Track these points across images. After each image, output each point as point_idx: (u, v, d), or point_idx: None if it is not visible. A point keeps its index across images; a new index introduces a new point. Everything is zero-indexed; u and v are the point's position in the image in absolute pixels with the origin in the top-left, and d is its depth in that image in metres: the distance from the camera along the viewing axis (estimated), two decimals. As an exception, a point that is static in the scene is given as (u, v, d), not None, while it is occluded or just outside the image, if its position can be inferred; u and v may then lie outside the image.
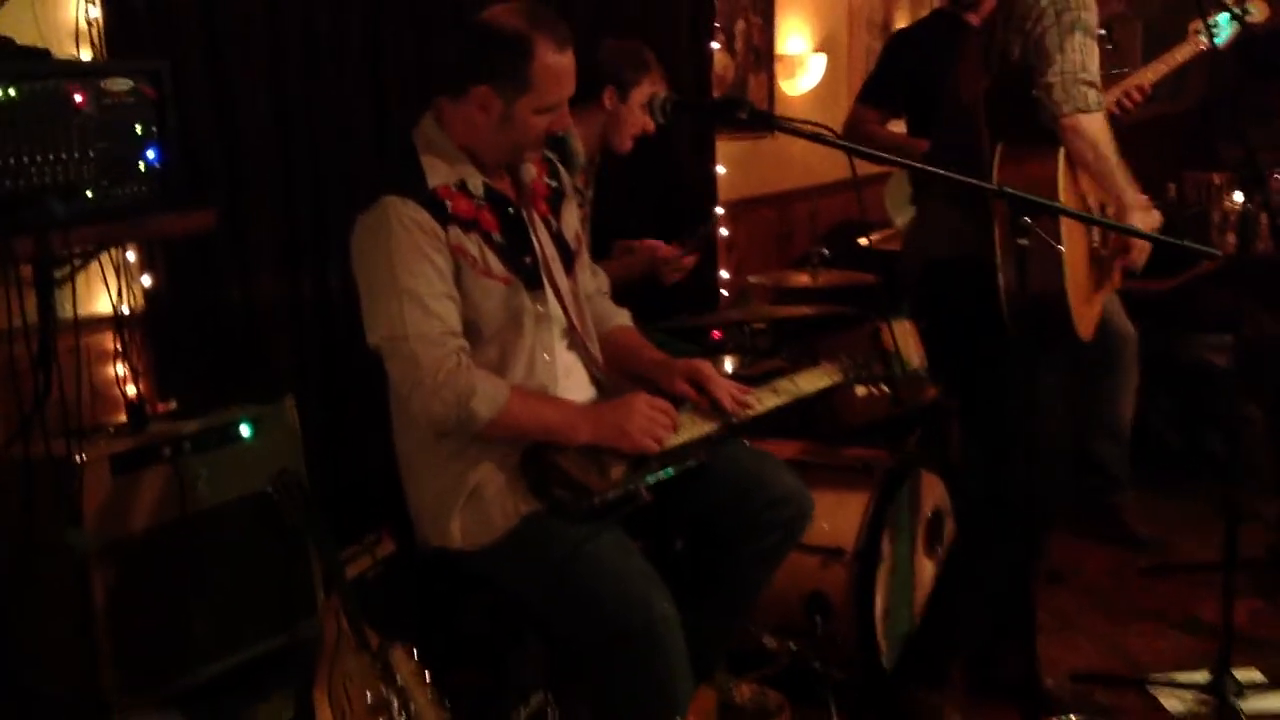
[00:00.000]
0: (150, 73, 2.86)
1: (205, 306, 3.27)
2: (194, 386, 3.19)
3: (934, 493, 3.57)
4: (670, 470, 2.54)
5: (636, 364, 2.86)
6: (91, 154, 2.75)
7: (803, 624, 3.31)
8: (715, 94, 4.92)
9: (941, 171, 2.63)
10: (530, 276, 2.66)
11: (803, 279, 4.33)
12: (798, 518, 2.73)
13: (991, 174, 3.04)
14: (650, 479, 2.50)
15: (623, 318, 2.97)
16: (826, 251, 4.27)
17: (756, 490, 2.69)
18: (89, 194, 2.75)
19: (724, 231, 5.12)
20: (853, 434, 3.60)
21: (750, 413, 2.71)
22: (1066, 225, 2.95)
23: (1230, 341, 4.85)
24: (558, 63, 2.55)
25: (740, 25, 5.33)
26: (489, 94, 2.54)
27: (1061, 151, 3.06)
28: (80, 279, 3.01)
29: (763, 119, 2.48)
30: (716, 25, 5.03)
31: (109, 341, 3.12)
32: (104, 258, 3.06)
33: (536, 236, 2.71)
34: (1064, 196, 3.04)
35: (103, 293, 3.06)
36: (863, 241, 4.47)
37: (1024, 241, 2.45)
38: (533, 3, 2.60)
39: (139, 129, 2.84)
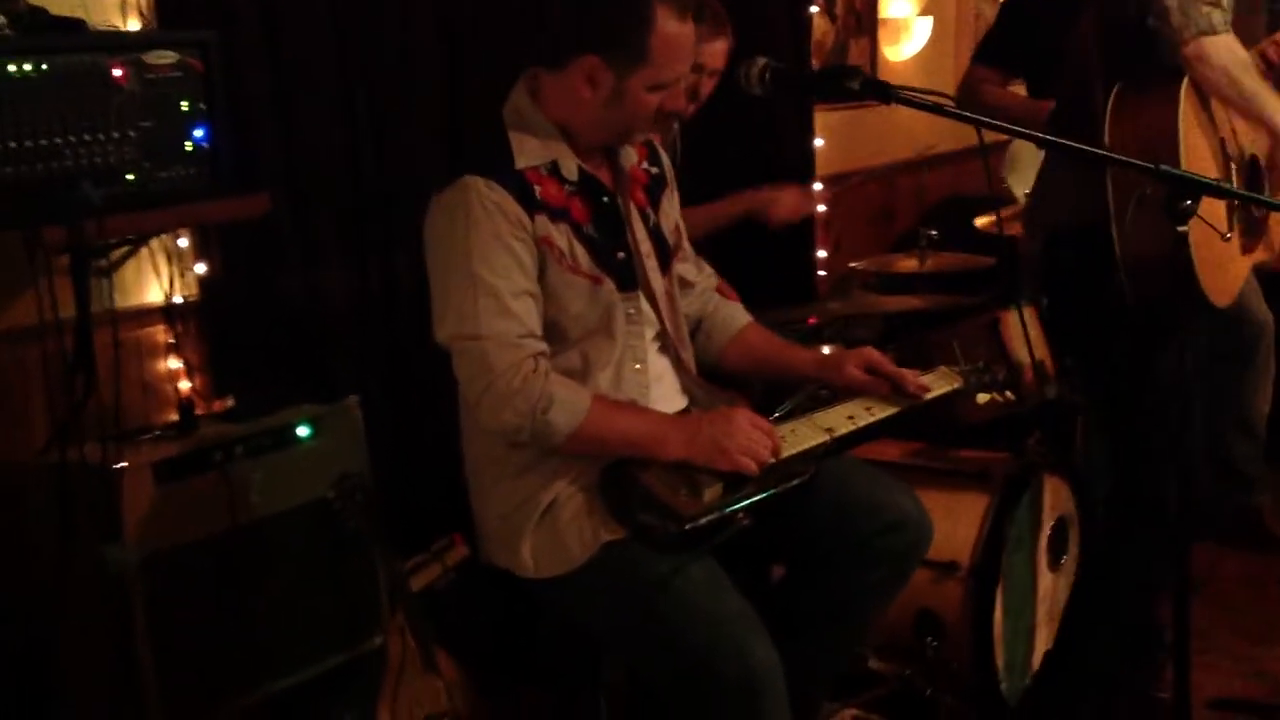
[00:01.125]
0: (198, 44, 2.68)
1: (264, 297, 3.09)
2: (251, 383, 3.01)
3: (1059, 499, 3.25)
4: (771, 490, 2.24)
5: (786, 364, 2.63)
6: (133, 134, 2.57)
7: (913, 645, 3.04)
8: (814, 62, 4.63)
9: (1061, 141, 2.31)
10: (623, 275, 2.40)
11: (909, 264, 4.01)
12: (914, 546, 2.43)
13: (1104, 128, 2.75)
14: (748, 501, 2.20)
15: (745, 314, 2.72)
16: (935, 233, 3.93)
17: (868, 514, 2.39)
18: (130, 177, 2.57)
19: (821, 208, 4.80)
20: (966, 434, 3.29)
21: (858, 424, 2.41)
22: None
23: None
24: (679, 33, 2.27)
25: (842, -14, 5.02)
26: (599, 66, 2.26)
27: (1184, 89, 2.76)
28: (130, 266, 2.89)
29: (878, 89, 2.16)
30: (816, -13, 4.73)
31: (160, 334, 2.98)
32: (154, 243, 2.92)
33: (632, 230, 2.44)
34: (1192, 141, 2.73)
35: (154, 281, 2.95)
36: (980, 222, 4.12)
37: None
38: None
39: (185, 106, 2.66)
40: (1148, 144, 2.70)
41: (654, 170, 2.58)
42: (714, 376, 2.63)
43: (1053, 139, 2.30)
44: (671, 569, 2.17)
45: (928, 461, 3.27)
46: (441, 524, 3.00)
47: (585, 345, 2.36)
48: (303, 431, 2.84)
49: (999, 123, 2.25)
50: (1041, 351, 3.17)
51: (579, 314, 2.33)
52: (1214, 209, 2.79)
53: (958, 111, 2.21)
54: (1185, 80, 2.79)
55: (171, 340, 2.97)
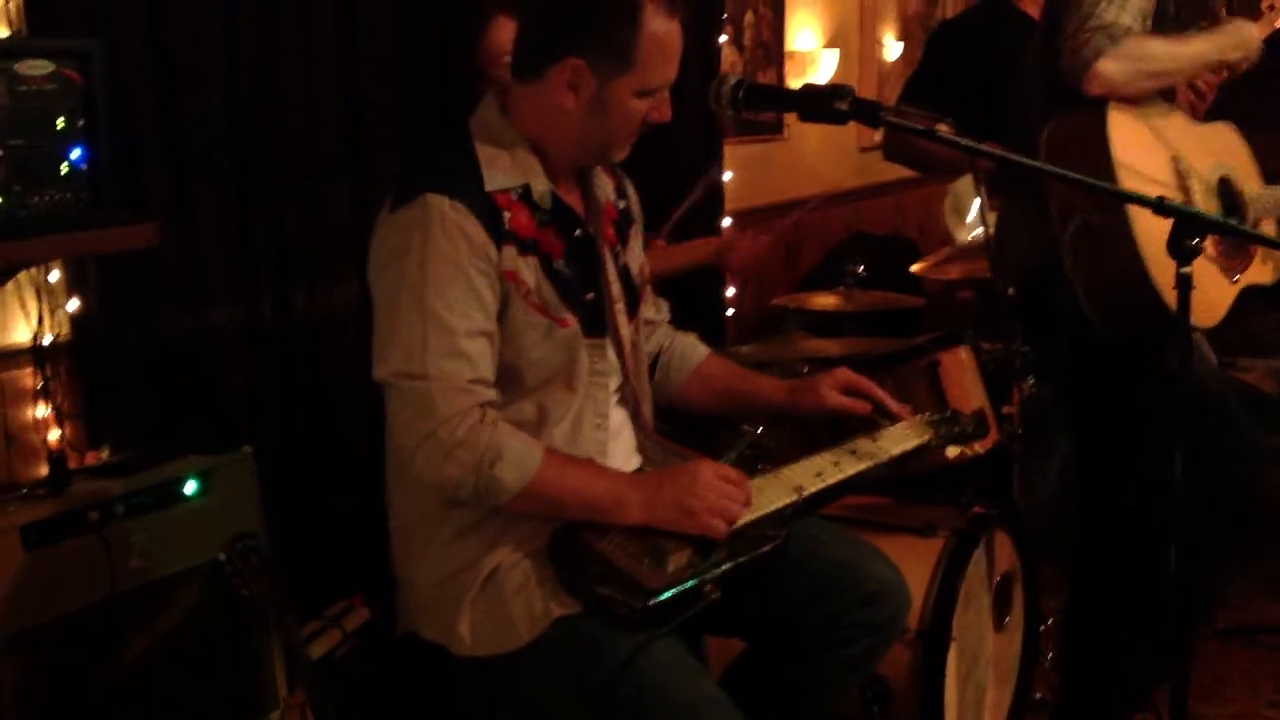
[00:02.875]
0: (77, 54, 2.43)
1: (145, 336, 2.82)
2: (131, 433, 2.77)
3: (1004, 555, 3.08)
4: (742, 558, 2.02)
5: (752, 393, 2.46)
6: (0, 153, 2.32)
7: (858, 714, 2.81)
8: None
9: (1059, 170, 2.14)
10: (592, 318, 2.18)
11: (830, 300, 3.83)
12: (892, 619, 2.24)
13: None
14: (718, 571, 1.98)
15: (702, 346, 2.54)
16: (862, 269, 3.76)
17: (847, 584, 2.19)
18: None
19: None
20: (898, 485, 3.10)
21: (827, 481, 2.21)
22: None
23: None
24: (667, 33, 2.08)
25: (749, 18, 4.96)
26: (582, 69, 2.06)
27: (1111, 113, 2.69)
28: None
29: (867, 111, 1.95)
30: (724, 17, 4.61)
31: (28, 377, 2.71)
32: (22, 277, 2.65)
33: (604, 269, 2.23)
34: (1133, 162, 2.66)
35: (20, 319, 2.68)
36: (916, 268, 3.96)
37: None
38: None
39: (62, 123, 2.41)
40: (1084, 163, 2.61)
41: (622, 205, 2.38)
42: (674, 415, 2.44)
43: (1040, 165, 2.12)
44: (634, 648, 1.94)
45: (869, 515, 3.07)
46: (342, 585, 2.84)
47: (542, 395, 2.14)
48: (190, 487, 2.61)
49: (988, 149, 2.06)
50: (981, 398, 3.01)
51: (539, 359, 2.11)
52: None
53: (952, 138, 2.02)
54: (1109, 105, 2.70)
55: (40, 385, 2.71)
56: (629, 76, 2.06)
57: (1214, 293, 2.86)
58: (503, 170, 2.11)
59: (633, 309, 2.32)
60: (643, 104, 2.10)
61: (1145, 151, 2.77)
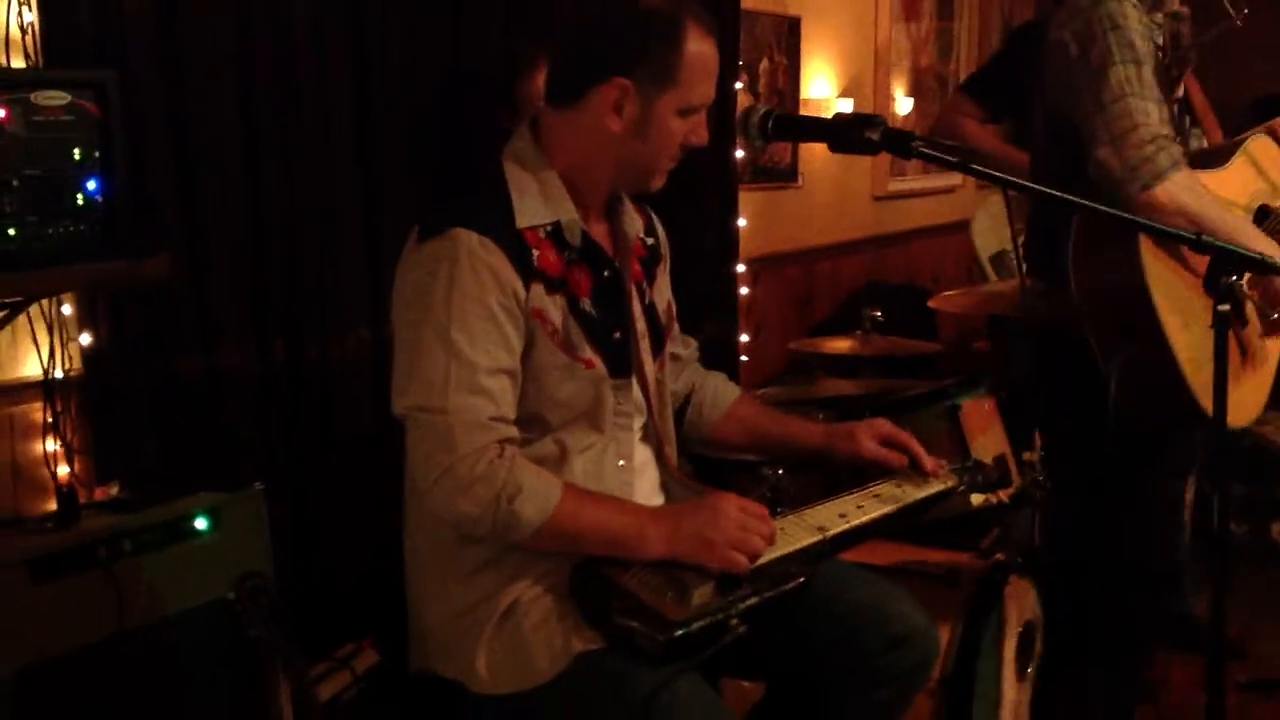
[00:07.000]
0: (94, 85, 2.39)
1: (157, 372, 2.79)
2: (141, 469, 2.73)
3: (1025, 603, 3.03)
4: (768, 593, 1.97)
5: (788, 436, 2.43)
6: (15, 183, 2.28)
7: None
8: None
9: (1081, 200, 2.06)
10: (618, 358, 2.15)
11: (843, 345, 3.80)
12: (922, 664, 2.19)
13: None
14: (743, 605, 1.93)
15: (734, 386, 2.51)
16: (879, 314, 3.73)
17: (874, 627, 2.14)
18: (10, 232, 2.28)
19: (743, 290, 4.62)
20: (920, 532, 3.06)
21: (851, 523, 2.17)
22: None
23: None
24: (707, 52, 2.09)
25: (764, 65, 4.93)
26: (627, 89, 2.05)
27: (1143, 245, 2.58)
28: (4, 335, 2.58)
29: (898, 142, 1.93)
30: (740, 64, 4.59)
31: (37, 412, 2.68)
32: (33, 310, 2.61)
33: (630, 308, 2.20)
34: (1165, 283, 2.57)
35: (31, 352, 2.63)
36: (934, 303, 3.95)
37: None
38: None
39: (78, 154, 2.37)
40: (1115, 299, 2.58)
41: (650, 241, 2.35)
42: (702, 461, 2.40)
43: (1073, 199, 2.04)
44: (657, 684, 1.89)
45: (890, 562, 3.03)
46: (353, 628, 2.79)
47: (565, 434, 2.11)
48: (200, 524, 2.54)
49: (1024, 183, 2.03)
50: (1004, 444, 2.98)
51: (565, 400, 2.09)
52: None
53: (981, 169, 1.97)
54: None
55: (50, 419, 2.67)
56: (672, 95, 2.05)
57: (1250, 390, 2.84)
58: (534, 206, 2.08)
59: (658, 347, 2.29)
60: (684, 125, 2.09)
61: (1175, 269, 2.67)
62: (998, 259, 4.67)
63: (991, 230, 4.50)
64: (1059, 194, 1.95)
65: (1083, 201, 2.00)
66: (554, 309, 2.06)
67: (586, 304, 2.11)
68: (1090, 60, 2.53)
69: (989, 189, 4.48)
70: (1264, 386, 2.90)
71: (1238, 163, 2.89)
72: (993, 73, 3.90)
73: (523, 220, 2.06)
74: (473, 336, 1.97)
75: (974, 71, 4.02)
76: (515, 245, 2.03)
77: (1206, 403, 2.56)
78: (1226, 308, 1.87)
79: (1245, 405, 2.82)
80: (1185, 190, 2.53)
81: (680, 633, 1.87)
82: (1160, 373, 2.54)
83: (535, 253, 2.05)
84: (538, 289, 2.04)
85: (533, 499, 1.94)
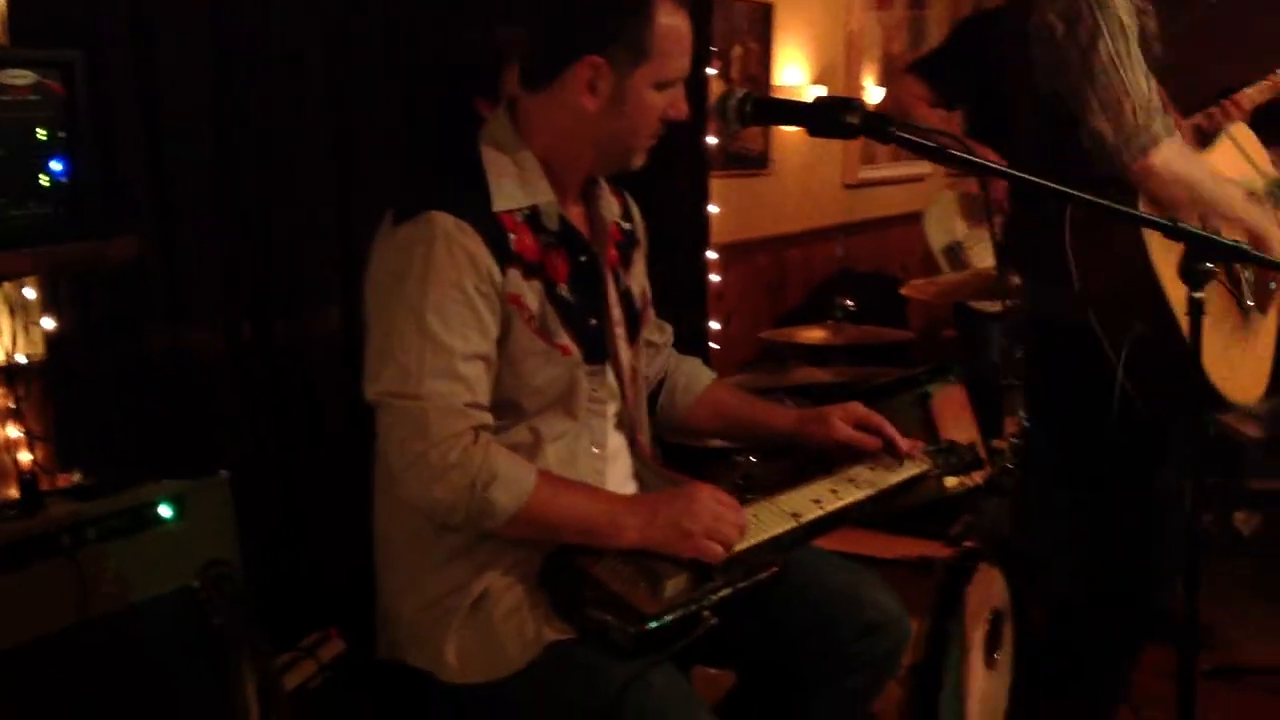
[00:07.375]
0: (59, 65, 2.37)
1: (120, 357, 2.74)
2: (104, 456, 2.69)
3: (994, 591, 3.03)
4: (741, 584, 1.95)
5: (761, 420, 2.40)
6: None
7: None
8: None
9: (1061, 188, 1.99)
10: (593, 344, 2.13)
11: (819, 334, 3.79)
12: (895, 650, 2.18)
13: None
14: (717, 596, 1.91)
15: (708, 371, 2.49)
16: (851, 303, 3.72)
17: (848, 614, 2.13)
18: None
19: (714, 278, 4.60)
20: (890, 519, 3.05)
21: (825, 509, 2.15)
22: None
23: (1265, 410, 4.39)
24: (679, 25, 2.07)
25: (737, 51, 4.90)
26: (600, 66, 2.03)
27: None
28: None
29: (877, 126, 1.91)
30: (713, 50, 4.55)
31: None
32: None
33: (606, 294, 2.17)
34: (1170, 261, 2.53)
35: None
36: (906, 290, 3.94)
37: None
38: None
39: (42, 135, 2.35)
40: (1119, 281, 2.57)
41: (627, 226, 2.33)
42: (671, 448, 2.38)
43: (1052, 185, 2.00)
44: (629, 675, 1.87)
45: (858, 550, 3.01)
46: (320, 618, 2.76)
47: (539, 420, 2.09)
48: (164, 511, 2.50)
49: (1002, 168, 2.01)
50: (974, 432, 2.98)
51: (540, 386, 2.06)
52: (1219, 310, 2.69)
53: (963, 155, 1.95)
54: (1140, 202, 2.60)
55: (12, 405, 2.62)
56: (646, 68, 2.03)
57: (1249, 365, 2.84)
58: (511, 189, 2.06)
59: (633, 333, 2.27)
60: (661, 98, 2.07)
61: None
62: (950, 251, 4.69)
63: (942, 223, 4.50)
64: (1050, 184, 1.92)
65: (1071, 191, 1.97)
66: (531, 294, 2.03)
67: (563, 289, 2.09)
68: (1078, 36, 2.53)
69: (961, 177, 4.47)
70: (1264, 364, 2.91)
71: (1222, 145, 2.91)
72: (943, 58, 3.86)
73: (499, 203, 2.04)
74: (448, 321, 1.94)
75: (924, 54, 3.96)
76: (492, 229, 2.00)
77: (1218, 382, 2.58)
78: (1201, 295, 1.85)
79: (1245, 384, 2.84)
80: (1180, 157, 2.54)
81: (653, 625, 1.85)
82: (1169, 351, 2.53)
83: (512, 236, 2.02)
84: (514, 273, 2.01)
85: (507, 486, 1.91)
